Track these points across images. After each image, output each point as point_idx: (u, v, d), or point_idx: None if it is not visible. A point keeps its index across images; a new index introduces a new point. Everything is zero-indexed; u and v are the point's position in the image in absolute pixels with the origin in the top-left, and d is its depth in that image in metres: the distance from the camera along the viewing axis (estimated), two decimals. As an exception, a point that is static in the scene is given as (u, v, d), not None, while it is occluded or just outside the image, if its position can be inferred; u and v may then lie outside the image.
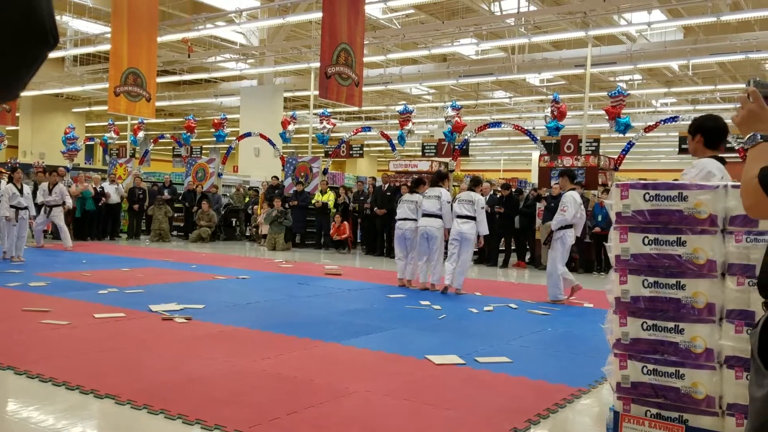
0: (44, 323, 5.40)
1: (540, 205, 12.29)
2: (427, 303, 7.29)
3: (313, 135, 17.68)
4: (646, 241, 2.92)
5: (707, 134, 3.47)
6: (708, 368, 2.80)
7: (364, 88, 17.86)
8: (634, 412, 2.95)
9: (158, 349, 4.73)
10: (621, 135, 13.32)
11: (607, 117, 13.12)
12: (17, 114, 25.44)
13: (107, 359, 4.38)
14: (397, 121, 18.69)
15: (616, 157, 13.41)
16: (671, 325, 2.88)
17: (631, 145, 13.18)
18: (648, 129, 13.26)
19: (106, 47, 15.42)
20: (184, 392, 3.71)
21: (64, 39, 18.52)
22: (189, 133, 18.83)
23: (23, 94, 13.76)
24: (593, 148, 13.43)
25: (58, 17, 17.53)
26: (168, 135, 22.55)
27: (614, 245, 3.00)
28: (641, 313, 2.95)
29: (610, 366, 3.07)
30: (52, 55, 13.28)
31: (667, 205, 2.87)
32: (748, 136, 1.79)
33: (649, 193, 2.90)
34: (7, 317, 5.61)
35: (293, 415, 3.39)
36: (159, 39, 13.69)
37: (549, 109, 13.49)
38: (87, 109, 28.14)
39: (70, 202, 12.57)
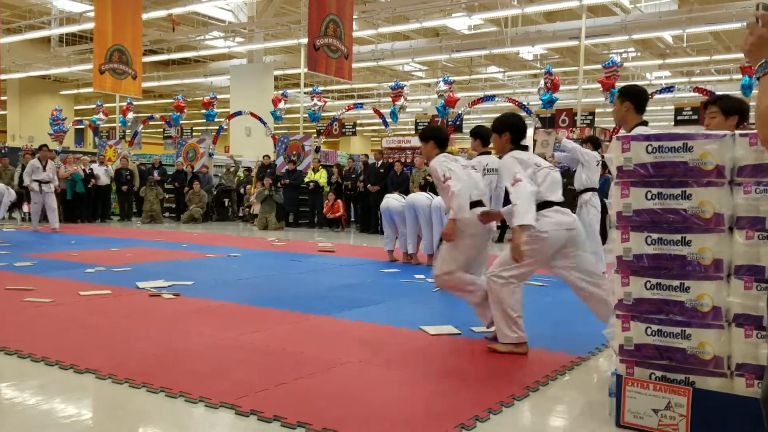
0: (27, 301, 5.24)
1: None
2: (421, 277, 7.15)
3: (305, 114, 17.42)
4: (649, 195, 2.76)
5: (635, 99, 3.65)
6: (716, 327, 2.66)
7: (355, 65, 17.59)
8: (638, 375, 2.81)
9: (143, 324, 4.58)
10: (616, 106, 13.12)
11: (601, 89, 12.92)
12: (4, 98, 25.07)
13: (90, 336, 4.23)
14: (389, 99, 18.47)
15: (611, 129, 13.23)
16: (676, 283, 2.73)
17: (626, 116, 13.00)
18: (645, 99, 13.08)
19: (92, 26, 15.08)
20: (169, 367, 3.56)
21: (48, 18, 18.16)
22: (179, 113, 18.53)
23: (9, 76, 13.65)
24: (588, 121, 13.26)
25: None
26: (158, 116, 22.22)
27: (615, 201, 2.84)
28: (644, 271, 2.80)
29: (612, 328, 2.92)
30: (38, 35, 13.02)
31: (671, 157, 2.71)
32: (760, 63, 1.66)
33: (651, 145, 2.74)
34: (-11, 296, 5.44)
35: (282, 386, 3.24)
36: (144, 16, 13.39)
37: (542, 82, 13.28)
38: (75, 91, 27.74)
39: (56, 183, 12.35)
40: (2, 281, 6.18)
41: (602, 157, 11.85)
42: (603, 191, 10.49)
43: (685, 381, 2.72)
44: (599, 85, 14.10)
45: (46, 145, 12.38)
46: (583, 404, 3.20)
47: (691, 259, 2.69)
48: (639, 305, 2.81)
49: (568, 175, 9.61)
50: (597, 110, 16.05)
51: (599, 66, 17.96)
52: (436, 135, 4.75)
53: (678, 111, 13.10)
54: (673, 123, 12.96)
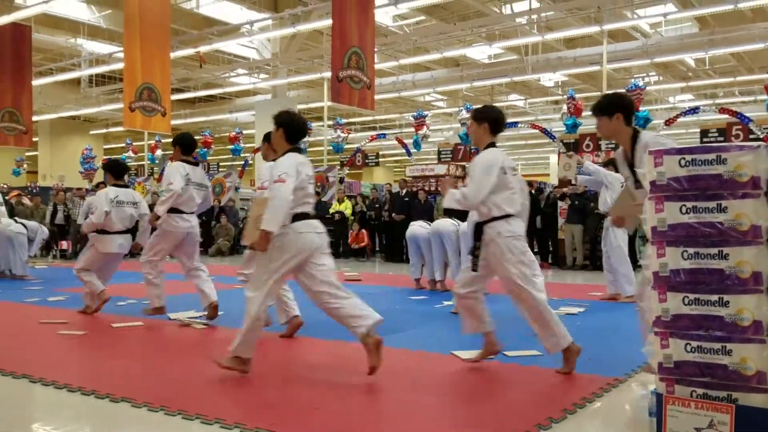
0: (61, 334, 5.31)
1: (563, 204, 12.08)
2: (450, 303, 7.11)
3: (329, 146, 17.61)
4: (684, 209, 2.73)
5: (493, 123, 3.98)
6: (757, 342, 2.60)
7: (377, 97, 17.78)
8: (679, 393, 2.75)
9: (176, 353, 4.62)
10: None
11: (625, 112, 12.87)
12: (35, 138, 25.73)
13: (123, 365, 4.27)
14: (411, 129, 18.59)
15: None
16: (715, 298, 2.68)
17: (651, 139, 12.91)
18: (668, 122, 13.00)
19: (120, 66, 15.50)
20: (202, 394, 3.58)
21: (78, 60, 18.70)
22: (206, 149, 18.85)
23: (41, 117, 13.96)
24: (613, 145, 13.18)
25: (72, 40, 17.85)
26: (184, 152, 22.57)
27: (649, 216, 2.81)
28: (682, 287, 2.75)
29: (651, 346, 2.87)
30: (68, 76, 13.34)
31: (704, 170, 2.68)
32: None
33: (684, 158, 2.72)
34: (25, 330, 5.54)
35: (316, 412, 3.23)
36: (171, 55, 13.71)
37: (565, 107, 13.29)
38: (104, 130, 28.37)
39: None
40: (37, 315, 6.28)
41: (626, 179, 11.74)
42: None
43: (727, 398, 2.66)
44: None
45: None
46: (623, 425, 3.14)
47: (730, 273, 2.65)
48: (677, 321, 2.76)
49: (594, 198, 9.56)
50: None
51: (621, 90, 17.95)
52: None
53: (704, 133, 13.01)
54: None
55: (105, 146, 30.80)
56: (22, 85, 13.82)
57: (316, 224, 4.04)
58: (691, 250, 2.73)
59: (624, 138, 3.59)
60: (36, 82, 16.29)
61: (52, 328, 5.58)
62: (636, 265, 9.04)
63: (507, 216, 3.98)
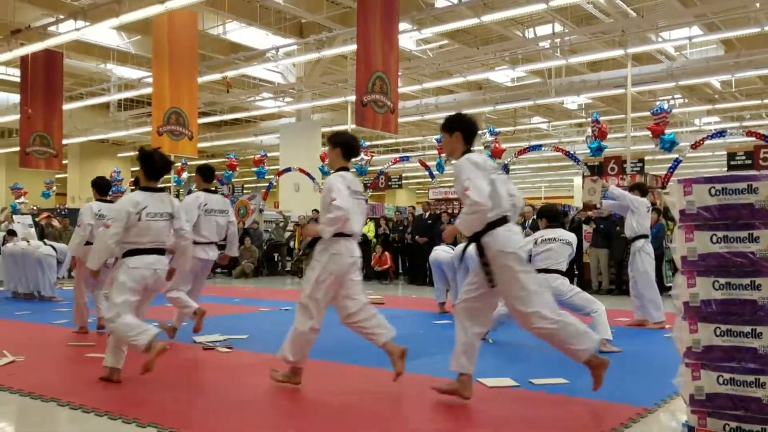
0: (89, 357, 5.36)
1: (587, 227, 11.97)
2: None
3: (352, 168, 17.71)
4: (715, 239, 2.71)
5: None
6: (793, 375, 2.55)
7: (400, 120, 17.92)
8: (711, 426, 2.70)
9: (200, 377, 4.64)
10: (667, 153, 12.95)
11: (651, 135, 12.79)
12: (65, 161, 26.25)
13: (149, 389, 4.30)
14: (434, 152, 18.63)
15: (662, 175, 13.02)
16: (747, 329, 2.64)
17: (678, 162, 12.79)
18: (695, 145, 12.86)
19: (149, 90, 15.81)
20: (226, 418, 3.58)
21: (108, 85, 19.11)
22: (231, 171, 19.07)
23: (71, 141, 14.17)
24: (638, 168, 13.09)
25: (102, 65, 18.29)
26: (209, 175, 22.88)
27: (679, 245, 2.79)
28: (713, 317, 2.72)
29: (682, 377, 2.83)
30: (98, 101, 13.63)
31: (735, 199, 2.66)
32: None
33: (714, 187, 2.70)
34: (53, 352, 5.60)
35: (341, 440, 3.22)
36: (199, 80, 13.98)
37: (590, 130, 13.22)
38: (132, 153, 28.85)
39: None
40: (65, 338, 6.35)
41: (653, 204, 11.64)
42: (656, 238, 10.30)
43: (762, 432, 2.61)
44: (646, 132, 13.99)
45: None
46: (654, 458, 3.08)
47: (763, 304, 2.61)
48: (709, 353, 2.72)
49: (620, 221, 9.47)
50: (646, 157, 15.87)
51: (646, 113, 17.86)
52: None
53: (731, 156, 12.83)
54: (726, 168, 12.69)
55: (132, 169, 31.29)
56: (54, 110, 14.15)
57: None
58: (722, 281, 2.69)
59: (458, 156, 3.90)
60: (66, 106, 16.66)
61: (80, 350, 5.65)
62: (663, 290, 8.91)
63: (343, 235, 4.18)
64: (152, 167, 4.55)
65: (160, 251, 4.55)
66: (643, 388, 4.32)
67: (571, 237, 6.09)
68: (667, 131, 12.50)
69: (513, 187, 4.03)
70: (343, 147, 4.36)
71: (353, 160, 4.76)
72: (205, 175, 6.25)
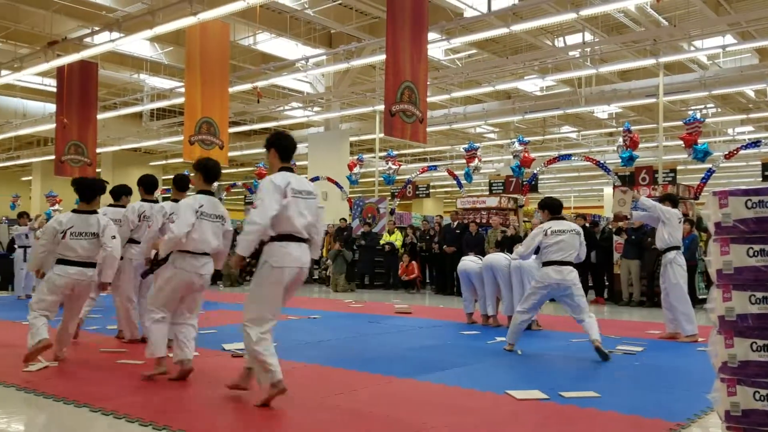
0: (120, 363, 5.44)
1: (618, 238, 11.81)
2: (503, 339, 7.00)
3: (380, 177, 17.75)
4: (751, 252, 2.66)
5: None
6: (833, 393, 2.49)
7: (428, 129, 17.93)
8: (748, 444, 2.64)
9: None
10: (700, 163, 12.74)
11: (683, 145, 12.60)
12: (98, 169, 26.76)
13: (179, 396, 4.35)
14: (462, 161, 18.58)
15: (695, 186, 12.81)
16: (786, 344, 2.58)
17: (711, 172, 12.58)
18: (728, 155, 12.64)
19: (181, 100, 16.05)
20: (254, 427, 3.61)
21: (141, 95, 19.45)
22: (259, 180, 19.26)
23: (104, 149, 14.48)
24: (670, 179, 12.90)
25: (135, 75, 18.64)
26: (240, 183, 23.13)
27: (714, 259, 2.74)
28: (750, 332, 2.66)
29: (717, 393, 2.77)
30: (131, 110, 13.90)
31: (772, 212, 2.61)
32: None
33: (751, 200, 2.65)
34: (85, 358, 5.70)
35: (370, 450, 3.22)
36: (229, 90, 14.15)
37: (621, 139, 13.07)
38: (163, 162, 29.30)
39: None
40: (97, 344, 6.46)
41: (685, 215, 11.46)
42: (689, 250, 10.11)
43: (802, 451, 2.54)
44: (679, 142, 13.77)
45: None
46: (688, 475, 3.02)
47: (801, 319, 2.55)
48: (745, 368, 2.67)
49: (651, 232, 9.33)
50: (678, 167, 15.64)
51: (678, 123, 17.60)
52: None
53: (765, 166, 12.56)
54: (760, 179, 12.43)
55: (163, 177, 31.77)
56: (88, 119, 14.43)
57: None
58: (759, 295, 2.64)
59: (274, 172, 4.20)
60: (101, 116, 16.99)
61: (111, 356, 5.74)
62: (696, 303, 8.75)
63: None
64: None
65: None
66: (677, 402, 4.25)
67: (578, 227, 6.17)
68: (700, 141, 12.31)
69: (316, 215, 4.31)
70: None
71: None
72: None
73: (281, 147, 4.33)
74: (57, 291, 5.29)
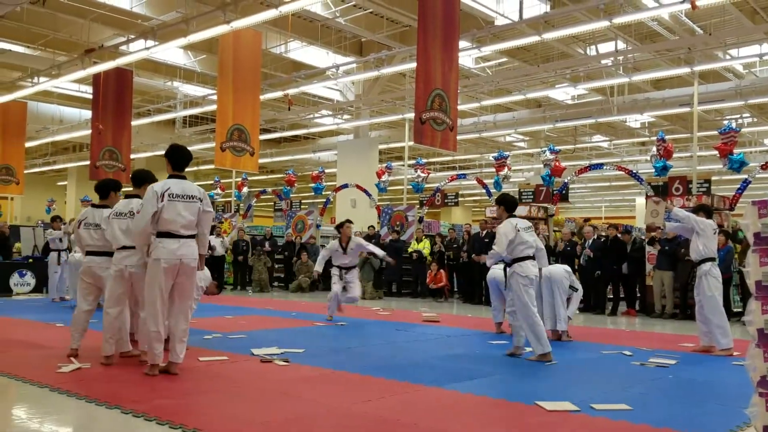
0: (151, 365, 5.50)
1: (651, 249, 11.62)
2: (531, 349, 6.93)
3: (408, 185, 17.75)
4: (792, 263, 2.59)
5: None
6: None
7: (458, 137, 17.89)
8: (788, 461, 2.56)
9: (258, 390, 4.69)
10: (735, 173, 12.49)
11: (718, 155, 12.37)
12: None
13: (209, 399, 4.38)
14: (491, 170, 18.48)
15: (730, 197, 12.56)
16: (828, 359, 2.51)
17: (747, 183, 12.31)
18: (765, 166, 12.37)
19: (213, 108, 16.26)
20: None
21: (174, 102, 19.76)
22: (289, 187, 19.40)
23: (138, 155, 14.81)
24: (704, 189, 12.66)
25: (169, 83, 18.96)
26: (270, 190, 23.34)
27: (753, 270, 2.68)
28: (790, 346, 2.59)
29: (755, 408, 2.70)
30: (164, 117, 14.20)
31: (814, 222, 2.54)
32: None
33: (792, 210, 2.59)
34: (117, 360, 5.77)
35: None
36: (261, 97, 14.30)
37: (654, 149, 12.88)
38: (195, 168, 29.70)
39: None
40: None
41: (720, 226, 11.22)
42: (724, 262, 9.90)
43: None
44: (713, 152, 13.54)
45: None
46: (724, 492, 2.94)
47: None
48: (785, 383, 2.59)
49: (686, 243, 9.16)
50: (713, 177, 15.36)
51: (713, 132, 17.30)
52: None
53: (804, 177, 12.29)
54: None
55: (196, 183, 32.19)
56: (123, 126, 14.70)
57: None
58: (800, 307, 2.57)
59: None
60: (135, 122, 17.31)
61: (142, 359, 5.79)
62: (731, 316, 8.55)
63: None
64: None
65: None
66: (711, 416, 4.15)
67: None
68: (735, 151, 12.07)
69: (190, 212, 5.11)
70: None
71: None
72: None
73: (171, 158, 5.27)
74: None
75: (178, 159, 5.24)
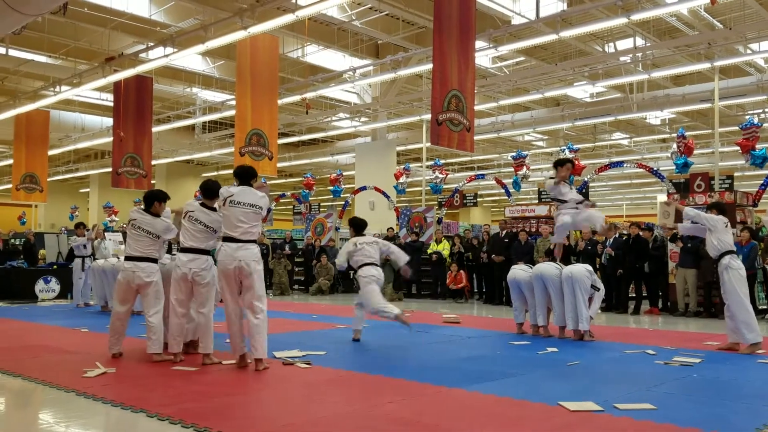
0: (174, 370, 5.56)
1: (673, 246, 11.50)
2: (554, 349, 6.89)
3: (427, 187, 17.75)
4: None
5: None
6: None
7: (476, 137, 17.86)
8: (817, 460, 2.53)
9: (281, 392, 4.73)
10: (758, 169, 12.32)
11: (740, 151, 12.22)
12: (153, 181, 27.53)
13: (233, 402, 4.41)
14: (510, 169, 18.43)
15: (753, 193, 12.39)
16: None
17: (771, 179, 12.14)
18: (789, 161, 12.19)
19: (231, 113, 16.39)
20: (308, 434, 3.63)
21: (193, 108, 19.95)
22: (308, 190, 19.49)
23: (159, 161, 14.98)
24: (727, 185, 12.50)
25: (188, 89, 19.15)
26: (288, 194, 23.48)
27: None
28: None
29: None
30: (183, 123, 14.36)
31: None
32: None
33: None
34: (139, 365, 5.84)
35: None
36: (279, 101, 14.40)
37: (675, 146, 12.75)
38: (215, 173, 29.94)
39: None
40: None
41: (743, 222, 11.07)
42: (748, 258, 9.76)
43: None
44: (735, 148, 13.37)
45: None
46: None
47: None
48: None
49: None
50: (735, 173, 15.16)
51: (734, 128, 17.09)
52: None
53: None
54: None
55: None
56: (144, 132, 14.87)
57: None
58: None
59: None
60: (155, 129, 17.49)
61: (167, 363, 5.86)
62: (756, 313, 8.42)
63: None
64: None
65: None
66: (737, 415, 4.10)
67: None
68: (757, 146, 11.92)
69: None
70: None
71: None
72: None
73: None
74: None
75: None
